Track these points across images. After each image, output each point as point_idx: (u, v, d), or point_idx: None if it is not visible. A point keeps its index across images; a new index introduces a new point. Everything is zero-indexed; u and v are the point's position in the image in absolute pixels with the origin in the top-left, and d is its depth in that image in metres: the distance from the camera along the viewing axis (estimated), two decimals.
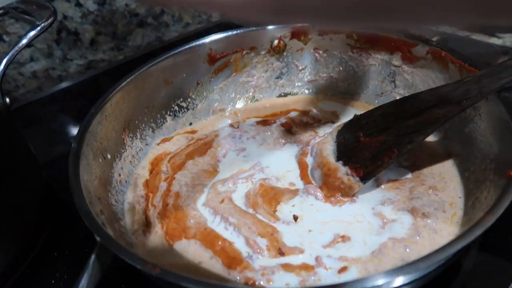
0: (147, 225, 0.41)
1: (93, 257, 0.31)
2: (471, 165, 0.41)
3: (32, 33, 0.43)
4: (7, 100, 0.42)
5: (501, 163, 0.35)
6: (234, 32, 0.55)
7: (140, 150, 0.50)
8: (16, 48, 0.42)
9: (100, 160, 0.42)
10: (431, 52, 0.47)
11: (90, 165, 0.39)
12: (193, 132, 0.54)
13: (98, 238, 0.31)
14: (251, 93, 0.59)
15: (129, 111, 0.48)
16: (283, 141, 0.50)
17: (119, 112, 0.46)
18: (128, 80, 0.48)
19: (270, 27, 0.55)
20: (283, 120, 0.53)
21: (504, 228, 0.38)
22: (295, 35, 0.56)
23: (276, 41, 0.56)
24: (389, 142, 0.41)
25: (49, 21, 0.44)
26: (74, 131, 0.64)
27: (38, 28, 0.43)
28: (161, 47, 0.83)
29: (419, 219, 0.38)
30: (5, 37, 0.70)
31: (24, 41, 0.42)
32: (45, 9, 0.47)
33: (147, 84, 0.50)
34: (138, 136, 0.50)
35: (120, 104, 0.47)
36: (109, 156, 0.44)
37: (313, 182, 0.43)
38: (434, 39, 0.64)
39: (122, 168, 0.46)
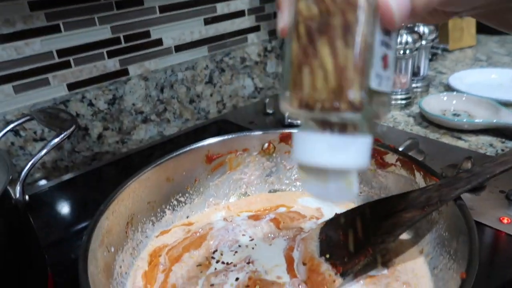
0: None
1: None
2: (439, 263, 0.45)
3: (55, 140, 0.50)
4: (27, 198, 0.48)
5: (458, 263, 0.40)
6: (230, 136, 0.63)
7: (140, 243, 0.54)
8: (40, 154, 0.48)
9: (105, 253, 0.46)
10: (399, 160, 0.54)
11: (96, 259, 0.43)
12: (190, 224, 0.59)
13: None
14: (243, 189, 0.65)
15: (132, 206, 0.53)
16: (272, 236, 0.55)
17: (124, 208, 0.52)
18: (134, 179, 0.54)
19: (260, 132, 0.63)
20: (272, 215, 0.58)
21: None
22: (283, 139, 0.64)
23: (266, 144, 0.64)
24: (365, 242, 0.46)
25: (71, 129, 0.51)
26: (74, 217, 0.69)
27: (61, 136, 0.50)
28: (161, 142, 0.91)
29: None
30: (21, 133, 0.77)
31: (48, 148, 0.49)
32: (67, 118, 0.55)
33: (150, 182, 0.56)
34: (139, 229, 0.54)
35: (126, 201, 0.52)
36: (112, 249, 0.48)
37: (298, 276, 0.47)
38: (407, 142, 0.73)
39: (123, 260, 0.50)
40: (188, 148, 0.60)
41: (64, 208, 0.73)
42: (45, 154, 0.49)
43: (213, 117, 1.04)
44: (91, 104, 0.84)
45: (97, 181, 0.81)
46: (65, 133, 0.50)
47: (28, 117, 0.57)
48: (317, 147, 0.29)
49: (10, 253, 0.44)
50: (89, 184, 0.80)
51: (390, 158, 0.55)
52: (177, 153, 0.59)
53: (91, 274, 0.40)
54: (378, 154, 0.57)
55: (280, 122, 0.93)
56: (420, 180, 0.51)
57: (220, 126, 0.97)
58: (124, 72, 0.90)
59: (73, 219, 0.70)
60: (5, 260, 0.43)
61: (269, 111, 0.98)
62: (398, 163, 0.54)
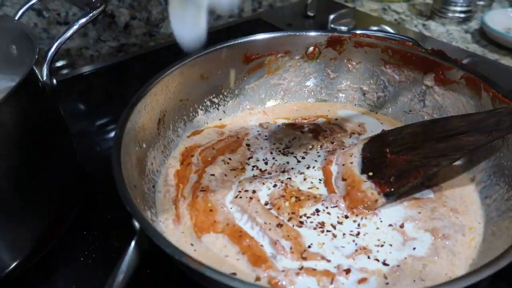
0: (176, 215, 0.43)
1: (133, 243, 0.32)
2: (493, 193, 0.42)
3: (82, 20, 0.44)
4: (54, 81, 0.44)
5: None
6: (272, 35, 0.56)
7: (171, 141, 0.51)
8: (66, 35, 0.43)
9: (137, 148, 0.44)
10: (465, 78, 0.48)
11: (129, 153, 0.41)
12: (223, 126, 0.56)
13: (137, 225, 0.33)
14: (281, 96, 0.60)
15: (164, 102, 0.50)
16: (310, 146, 0.51)
17: (156, 103, 0.48)
18: (167, 72, 0.49)
19: (308, 33, 0.56)
20: (311, 126, 0.55)
21: None
22: (331, 44, 0.57)
23: (311, 48, 0.58)
24: (416, 163, 0.42)
25: (100, 9, 0.45)
26: (99, 110, 0.66)
27: (89, 15, 0.45)
28: None
29: (439, 240, 0.39)
30: (44, 13, 0.71)
31: (75, 27, 0.44)
32: None
33: (184, 78, 0.51)
34: (171, 128, 0.51)
35: (158, 95, 0.48)
36: (144, 145, 0.46)
37: (336, 191, 0.45)
38: (464, 61, 0.65)
39: (154, 157, 0.47)
40: (226, 44, 0.54)
41: (88, 99, 0.70)
42: (72, 34, 0.45)
43: (247, 15, 0.95)
44: None
45: (123, 74, 0.77)
46: (93, 12, 0.45)
47: None
48: None
49: (39, 136, 0.41)
50: (114, 76, 0.76)
51: (454, 74, 0.49)
52: (214, 48, 0.53)
53: (125, 168, 0.38)
54: (439, 68, 0.50)
55: (322, 27, 0.84)
56: (486, 102, 0.46)
57: (253, 26, 0.89)
58: None
59: (97, 111, 0.67)
60: (36, 142, 0.41)
61: (310, 13, 0.89)
62: (462, 80, 0.48)
